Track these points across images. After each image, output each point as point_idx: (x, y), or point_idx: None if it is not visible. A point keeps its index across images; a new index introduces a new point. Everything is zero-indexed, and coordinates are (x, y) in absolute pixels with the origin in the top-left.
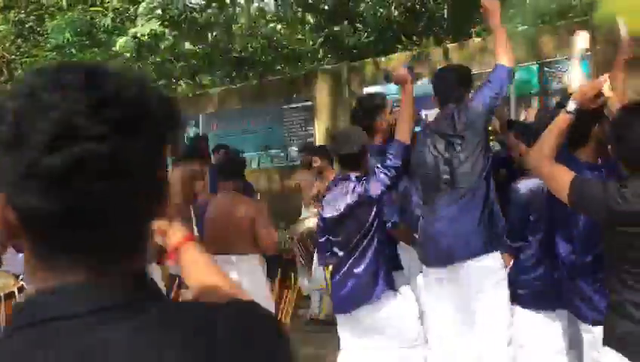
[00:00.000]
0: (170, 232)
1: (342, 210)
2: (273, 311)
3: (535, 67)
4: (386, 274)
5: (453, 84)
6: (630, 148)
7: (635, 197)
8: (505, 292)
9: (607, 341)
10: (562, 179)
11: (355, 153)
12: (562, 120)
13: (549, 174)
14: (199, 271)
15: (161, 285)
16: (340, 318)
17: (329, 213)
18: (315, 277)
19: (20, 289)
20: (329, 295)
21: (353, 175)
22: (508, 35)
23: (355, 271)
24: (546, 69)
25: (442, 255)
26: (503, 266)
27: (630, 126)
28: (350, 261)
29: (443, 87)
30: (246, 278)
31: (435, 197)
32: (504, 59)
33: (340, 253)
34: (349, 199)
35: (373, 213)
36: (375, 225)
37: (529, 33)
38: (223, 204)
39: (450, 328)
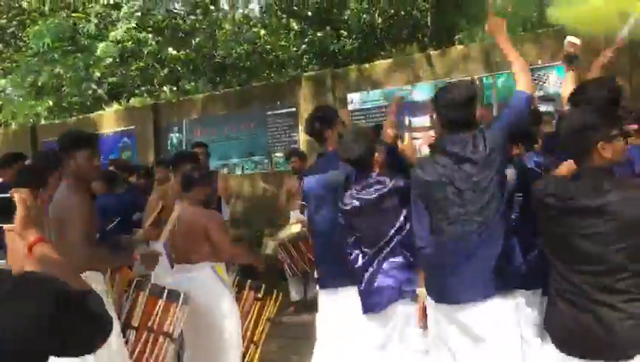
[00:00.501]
0: (25, 234)
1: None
2: (234, 324)
3: None
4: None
5: (463, 107)
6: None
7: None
8: (516, 344)
9: None
10: None
11: (362, 155)
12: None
13: None
14: (46, 265)
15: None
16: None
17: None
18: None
19: None
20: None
21: (373, 175)
22: (489, 43)
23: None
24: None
25: (448, 293)
26: (514, 310)
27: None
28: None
29: (452, 112)
30: (199, 288)
31: (445, 228)
32: (522, 83)
33: (369, 250)
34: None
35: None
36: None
37: (511, 40)
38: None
39: None
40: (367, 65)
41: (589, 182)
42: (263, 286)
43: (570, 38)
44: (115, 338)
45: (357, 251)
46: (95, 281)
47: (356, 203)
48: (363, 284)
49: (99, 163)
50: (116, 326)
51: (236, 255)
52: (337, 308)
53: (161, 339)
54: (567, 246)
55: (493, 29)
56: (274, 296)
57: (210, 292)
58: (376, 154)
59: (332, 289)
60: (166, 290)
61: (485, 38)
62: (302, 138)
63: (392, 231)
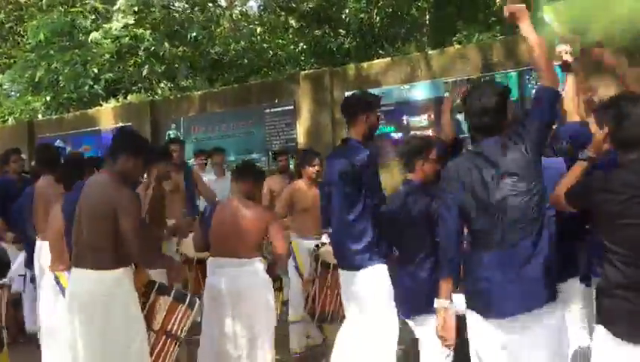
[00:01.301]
0: None
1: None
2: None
3: (514, 74)
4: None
5: (496, 112)
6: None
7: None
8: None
9: None
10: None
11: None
12: (579, 167)
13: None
14: None
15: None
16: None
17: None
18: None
19: None
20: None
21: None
22: (487, 43)
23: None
24: (525, 76)
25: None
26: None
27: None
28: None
29: (485, 118)
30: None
31: (497, 236)
32: (547, 79)
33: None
34: None
35: None
36: None
37: (508, 41)
38: (230, 207)
39: None
40: (365, 64)
41: None
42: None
43: (560, 47)
44: (138, 344)
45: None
46: (129, 278)
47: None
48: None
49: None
50: (144, 329)
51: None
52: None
53: (174, 343)
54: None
55: (513, 15)
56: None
57: (265, 285)
58: None
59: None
60: (188, 296)
61: (483, 37)
62: (300, 135)
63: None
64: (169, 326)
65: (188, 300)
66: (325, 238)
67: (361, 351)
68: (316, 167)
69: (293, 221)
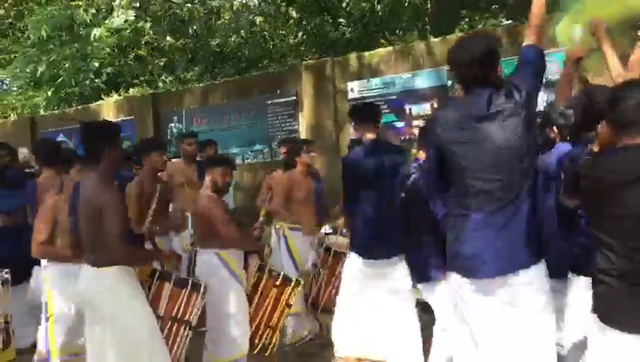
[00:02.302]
0: None
1: None
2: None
3: None
4: None
5: (485, 60)
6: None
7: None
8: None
9: None
10: None
11: None
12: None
13: None
14: None
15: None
16: None
17: None
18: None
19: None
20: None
21: None
22: (490, 30)
23: None
24: None
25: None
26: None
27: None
28: None
29: (474, 66)
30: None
31: (485, 201)
32: (538, 38)
33: None
34: None
35: None
36: None
37: (511, 27)
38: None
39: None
40: (366, 54)
41: None
42: (282, 273)
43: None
44: (147, 337)
45: None
46: (129, 274)
47: None
48: None
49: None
50: (153, 322)
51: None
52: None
53: (183, 328)
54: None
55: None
56: (293, 282)
57: (215, 277)
58: None
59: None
60: (190, 281)
61: (486, 24)
62: (302, 126)
63: None
64: (174, 312)
65: (190, 284)
66: (328, 229)
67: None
68: (312, 154)
69: (289, 213)
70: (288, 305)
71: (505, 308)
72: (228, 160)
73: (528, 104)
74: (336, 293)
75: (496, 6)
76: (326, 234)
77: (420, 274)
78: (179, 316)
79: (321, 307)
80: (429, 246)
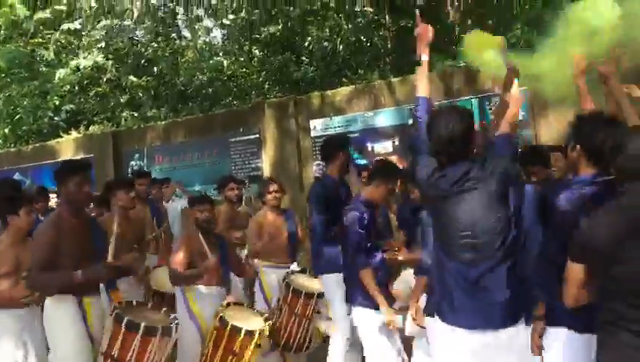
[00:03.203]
0: None
1: None
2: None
3: (475, 100)
4: None
5: (463, 140)
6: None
7: None
8: None
9: None
10: None
11: None
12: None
13: None
14: None
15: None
16: None
17: None
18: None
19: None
20: None
21: None
22: (448, 71)
23: None
24: (485, 102)
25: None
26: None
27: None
28: None
29: (452, 147)
30: None
31: (470, 258)
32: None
33: None
34: None
35: None
36: None
37: (469, 69)
38: None
39: None
40: (329, 92)
41: None
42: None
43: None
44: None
45: None
46: (68, 304)
47: None
48: None
49: (89, 189)
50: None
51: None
52: None
53: None
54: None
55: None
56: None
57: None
58: None
59: None
60: (142, 326)
61: (445, 65)
62: (266, 164)
63: None
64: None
65: (160, 331)
66: (295, 266)
67: None
68: (274, 194)
69: (262, 250)
70: (258, 346)
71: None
72: (203, 198)
73: (502, 178)
74: (297, 331)
75: (454, 47)
76: (292, 272)
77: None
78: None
79: (282, 344)
80: None
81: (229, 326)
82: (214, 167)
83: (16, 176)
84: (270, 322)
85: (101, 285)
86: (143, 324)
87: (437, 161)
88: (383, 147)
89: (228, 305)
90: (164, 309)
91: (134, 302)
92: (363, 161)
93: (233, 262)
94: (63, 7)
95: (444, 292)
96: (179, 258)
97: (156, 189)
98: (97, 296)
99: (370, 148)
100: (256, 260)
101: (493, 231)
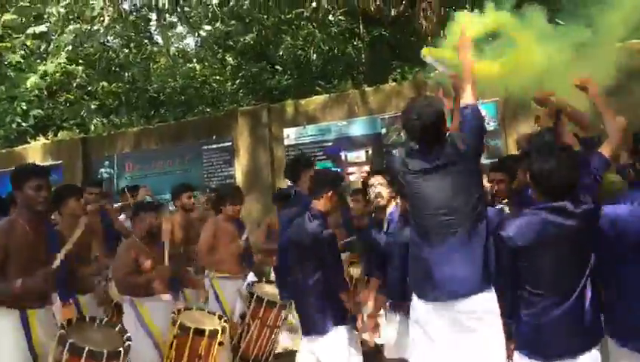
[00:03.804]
0: None
1: None
2: None
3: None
4: None
5: (435, 127)
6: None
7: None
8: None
9: None
10: None
11: None
12: None
13: None
14: None
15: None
16: None
17: None
18: None
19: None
20: None
21: None
22: (421, 80)
23: None
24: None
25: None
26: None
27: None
28: None
29: (426, 134)
30: None
31: (437, 236)
32: (473, 95)
33: None
34: None
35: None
36: None
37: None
38: None
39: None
40: (303, 101)
41: None
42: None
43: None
44: None
45: None
46: (8, 317)
47: None
48: None
49: (48, 194)
50: None
51: None
52: None
53: None
54: None
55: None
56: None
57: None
58: None
59: None
60: (86, 350)
61: (416, 75)
62: (238, 172)
63: None
64: None
65: (105, 356)
66: (252, 277)
67: None
68: (237, 208)
69: (216, 261)
70: (220, 344)
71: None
72: (148, 205)
73: (470, 158)
74: (267, 344)
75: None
76: (251, 283)
77: None
78: None
79: (252, 359)
80: None
81: (192, 330)
82: (186, 174)
83: None
84: (226, 323)
85: None
86: (86, 348)
87: (411, 146)
88: (357, 156)
89: (179, 311)
90: (119, 326)
91: (87, 318)
92: (337, 170)
93: (184, 272)
94: (30, 9)
95: (420, 270)
96: (124, 260)
97: (126, 198)
98: (45, 306)
99: (343, 157)
100: (208, 271)
101: (464, 208)
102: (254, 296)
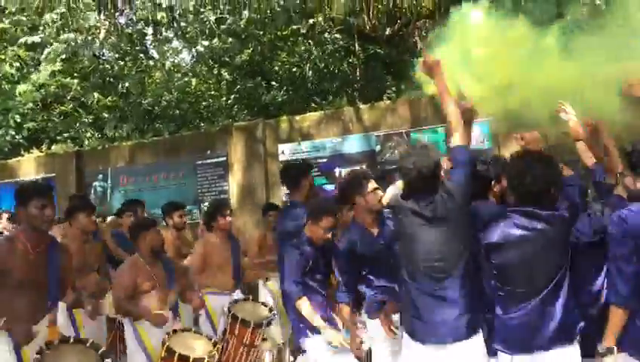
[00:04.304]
0: None
1: None
2: None
3: (441, 129)
4: None
5: (432, 176)
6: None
7: None
8: None
9: None
10: None
11: None
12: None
13: None
14: None
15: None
16: None
17: None
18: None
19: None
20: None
21: None
22: (416, 99)
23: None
24: None
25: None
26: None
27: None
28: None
29: (420, 182)
30: None
31: (428, 280)
32: (458, 138)
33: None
34: None
35: None
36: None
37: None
38: None
39: None
40: (298, 117)
41: None
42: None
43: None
44: None
45: None
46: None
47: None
48: None
49: (52, 213)
50: None
51: None
52: None
53: None
54: None
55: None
56: None
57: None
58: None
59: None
60: None
61: (412, 94)
62: (232, 188)
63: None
64: None
65: None
66: (238, 293)
67: None
68: (228, 218)
69: (207, 276)
70: None
71: None
72: (152, 222)
73: (462, 207)
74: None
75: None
76: (234, 301)
77: None
78: None
79: None
80: None
81: (176, 356)
82: (180, 189)
83: None
84: (219, 346)
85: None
86: None
87: (406, 193)
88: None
89: (174, 331)
90: (102, 349)
91: (72, 339)
92: (331, 187)
93: (181, 288)
94: (24, 18)
95: (410, 311)
96: (123, 282)
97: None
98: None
99: (338, 174)
100: (199, 287)
101: (456, 255)
102: (230, 314)
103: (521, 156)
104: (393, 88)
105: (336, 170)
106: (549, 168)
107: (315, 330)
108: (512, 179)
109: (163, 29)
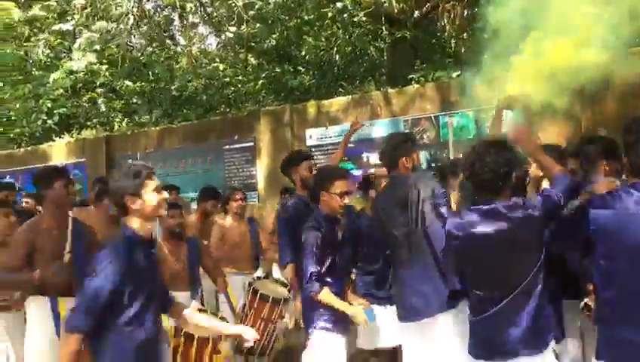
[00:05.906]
0: None
1: None
2: None
3: (471, 113)
4: None
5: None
6: None
7: None
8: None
9: None
10: None
11: None
12: None
13: None
14: None
15: None
16: None
17: None
18: None
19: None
20: None
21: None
22: (444, 82)
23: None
24: (481, 115)
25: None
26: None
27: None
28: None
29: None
30: None
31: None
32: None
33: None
34: None
35: None
36: None
37: (465, 80)
38: None
39: None
40: (325, 102)
41: None
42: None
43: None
44: None
45: None
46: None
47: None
48: None
49: (74, 189)
50: None
51: None
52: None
53: None
54: None
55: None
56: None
57: None
58: None
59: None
60: None
61: (440, 76)
62: (259, 172)
63: None
64: None
65: None
66: (260, 272)
67: None
68: (239, 202)
69: (225, 257)
70: (217, 352)
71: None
72: (172, 204)
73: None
74: (263, 335)
75: (450, 60)
76: (257, 278)
77: None
78: None
79: (247, 350)
80: None
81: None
82: (208, 174)
83: (7, 180)
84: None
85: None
86: None
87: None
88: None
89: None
90: None
91: None
92: (358, 172)
93: (207, 267)
94: (54, 3)
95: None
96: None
97: None
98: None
99: (365, 159)
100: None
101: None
102: (251, 288)
103: (474, 146)
104: (421, 72)
105: (364, 155)
106: (501, 153)
107: (322, 326)
108: (464, 172)
109: (190, 15)
